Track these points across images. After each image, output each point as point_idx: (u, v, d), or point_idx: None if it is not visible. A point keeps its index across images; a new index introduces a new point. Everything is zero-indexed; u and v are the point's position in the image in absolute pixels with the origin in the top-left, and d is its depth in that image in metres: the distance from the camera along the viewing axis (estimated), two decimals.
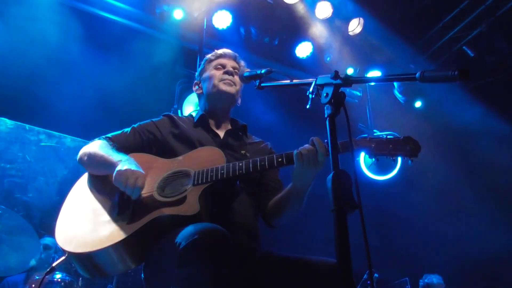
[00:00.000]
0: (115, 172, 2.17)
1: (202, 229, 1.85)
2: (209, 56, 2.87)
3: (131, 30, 5.91)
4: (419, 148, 2.05)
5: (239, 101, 2.82)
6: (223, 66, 2.75)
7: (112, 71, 5.72)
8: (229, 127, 2.75)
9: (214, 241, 1.81)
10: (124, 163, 2.20)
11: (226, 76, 2.69)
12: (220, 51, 2.84)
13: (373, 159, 2.09)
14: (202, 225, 1.91)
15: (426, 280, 6.30)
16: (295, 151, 2.14)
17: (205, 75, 2.80)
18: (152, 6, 5.80)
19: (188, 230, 1.88)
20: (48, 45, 5.52)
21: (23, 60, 5.34)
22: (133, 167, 2.18)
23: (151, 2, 5.79)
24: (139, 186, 2.14)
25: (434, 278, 6.25)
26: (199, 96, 2.89)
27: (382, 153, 2.07)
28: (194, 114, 2.83)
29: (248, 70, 2.57)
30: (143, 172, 2.19)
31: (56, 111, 5.56)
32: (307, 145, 2.15)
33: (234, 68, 2.76)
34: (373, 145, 2.08)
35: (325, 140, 1.95)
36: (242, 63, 2.85)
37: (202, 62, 2.89)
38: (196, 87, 2.88)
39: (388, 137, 2.09)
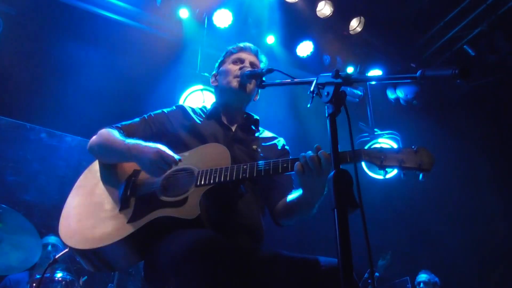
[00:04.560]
0: (143, 167, 2.21)
1: (198, 238, 1.85)
2: (230, 48, 2.79)
3: (132, 29, 5.91)
4: (433, 162, 1.88)
5: (256, 97, 2.77)
6: (241, 61, 2.67)
7: (113, 70, 5.72)
8: (242, 121, 2.70)
9: (210, 251, 1.80)
10: (142, 153, 2.21)
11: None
12: (242, 44, 2.76)
13: (382, 171, 1.98)
14: (198, 233, 1.91)
15: (418, 277, 6.35)
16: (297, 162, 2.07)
17: (222, 68, 2.72)
18: (153, 5, 5.79)
19: (185, 238, 1.88)
20: (49, 44, 5.53)
21: (24, 59, 5.35)
22: (150, 151, 2.18)
23: (152, 1, 5.78)
24: (172, 162, 2.16)
25: (424, 274, 6.30)
26: (215, 88, 2.83)
27: (392, 166, 1.95)
28: (207, 106, 2.78)
29: (250, 69, 2.57)
30: (159, 148, 2.19)
31: (57, 110, 5.56)
32: (310, 153, 2.06)
33: (252, 63, 2.67)
34: (383, 157, 1.96)
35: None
36: (264, 58, 2.78)
37: (223, 54, 2.82)
38: (213, 78, 2.81)
39: (400, 149, 1.95)
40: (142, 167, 2.24)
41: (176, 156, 2.19)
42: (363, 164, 6.14)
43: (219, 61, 2.83)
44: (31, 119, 5.96)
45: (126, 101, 5.68)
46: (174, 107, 2.71)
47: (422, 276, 6.29)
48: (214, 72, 2.84)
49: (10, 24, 5.30)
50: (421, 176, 1.90)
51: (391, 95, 7.23)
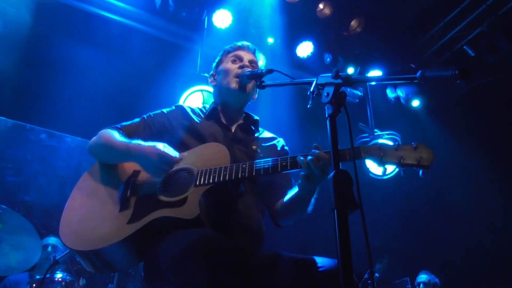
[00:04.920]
0: (145, 167, 2.22)
1: (198, 238, 1.85)
2: (227, 47, 2.77)
3: (131, 29, 5.91)
4: (432, 159, 1.87)
5: (255, 95, 2.75)
6: (240, 59, 2.66)
7: (113, 70, 5.73)
8: (241, 121, 2.69)
9: (209, 250, 1.80)
10: (140, 153, 2.23)
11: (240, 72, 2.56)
12: (239, 43, 2.75)
13: (382, 167, 1.98)
14: (198, 233, 1.91)
15: (417, 277, 6.36)
16: (300, 157, 2.08)
17: (221, 67, 2.71)
18: (152, 6, 5.79)
19: (184, 238, 1.89)
20: (49, 44, 5.53)
21: (23, 60, 5.35)
22: (151, 152, 2.20)
23: (152, 1, 5.78)
24: (173, 163, 2.19)
25: (424, 275, 6.31)
26: (213, 88, 2.81)
27: (392, 162, 1.94)
28: (207, 106, 2.77)
29: (250, 69, 2.56)
30: (159, 149, 2.20)
31: (56, 110, 5.56)
32: (317, 152, 2.05)
33: (251, 62, 2.66)
34: (382, 154, 1.96)
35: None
36: (261, 56, 2.77)
37: (220, 53, 2.80)
38: (212, 78, 2.79)
39: (399, 146, 1.94)
40: (143, 168, 2.25)
41: (176, 155, 2.21)
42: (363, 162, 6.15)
43: (216, 60, 2.82)
44: (31, 119, 5.96)
45: (126, 102, 5.68)
46: (173, 107, 2.70)
47: (422, 277, 6.30)
48: (212, 72, 2.82)
49: (10, 25, 5.30)
50: (420, 172, 1.90)
51: (391, 94, 7.22)
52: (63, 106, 5.51)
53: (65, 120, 5.71)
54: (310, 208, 2.35)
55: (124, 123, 2.56)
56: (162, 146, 2.22)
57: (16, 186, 5.88)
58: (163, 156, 2.17)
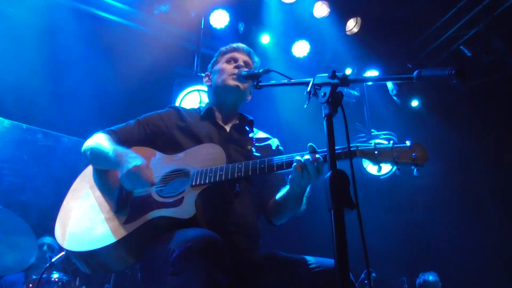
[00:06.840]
0: (121, 175, 2.16)
1: (195, 237, 1.84)
2: (222, 48, 2.80)
3: (128, 29, 5.90)
4: (427, 156, 1.92)
5: (249, 97, 2.77)
6: (235, 60, 2.69)
7: (110, 70, 5.71)
8: (236, 121, 2.71)
9: (207, 250, 1.79)
10: (125, 162, 2.17)
11: (236, 71, 2.60)
12: (235, 45, 2.79)
13: (377, 166, 2.01)
14: (195, 232, 1.90)
15: (423, 277, 6.35)
16: (296, 157, 2.08)
17: (216, 67, 2.74)
18: (150, 5, 5.78)
19: (182, 237, 1.88)
20: (46, 44, 5.51)
21: (20, 60, 5.33)
22: (132, 163, 2.14)
23: (149, 1, 5.77)
24: (149, 183, 2.15)
25: (431, 276, 6.31)
26: (208, 87, 2.84)
27: (386, 161, 1.98)
28: (201, 106, 2.78)
29: (246, 69, 2.57)
30: (145, 165, 2.16)
31: (53, 110, 5.55)
32: (308, 155, 2.06)
33: (246, 63, 2.70)
34: (376, 153, 1.99)
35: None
36: (256, 59, 2.80)
37: (216, 54, 2.83)
38: (207, 78, 2.82)
39: (394, 145, 1.98)
40: (119, 174, 2.19)
41: (153, 180, 2.17)
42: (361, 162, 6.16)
43: (212, 61, 2.85)
44: (27, 119, 5.94)
45: (122, 102, 5.67)
46: (167, 108, 2.71)
47: (430, 278, 6.29)
48: (207, 72, 2.85)
49: (7, 24, 5.29)
50: (415, 170, 1.93)
51: (391, 85, 7.17)
52: (60, 106, 5.49)
53: (62, 120, 5.69)
54: (303, 206, 2.37)
55: (119, 126, 2.55)
56: (145, 167, 2.16)
57: (12, 186, 5.86)
58: (140, 173, 2.12)
